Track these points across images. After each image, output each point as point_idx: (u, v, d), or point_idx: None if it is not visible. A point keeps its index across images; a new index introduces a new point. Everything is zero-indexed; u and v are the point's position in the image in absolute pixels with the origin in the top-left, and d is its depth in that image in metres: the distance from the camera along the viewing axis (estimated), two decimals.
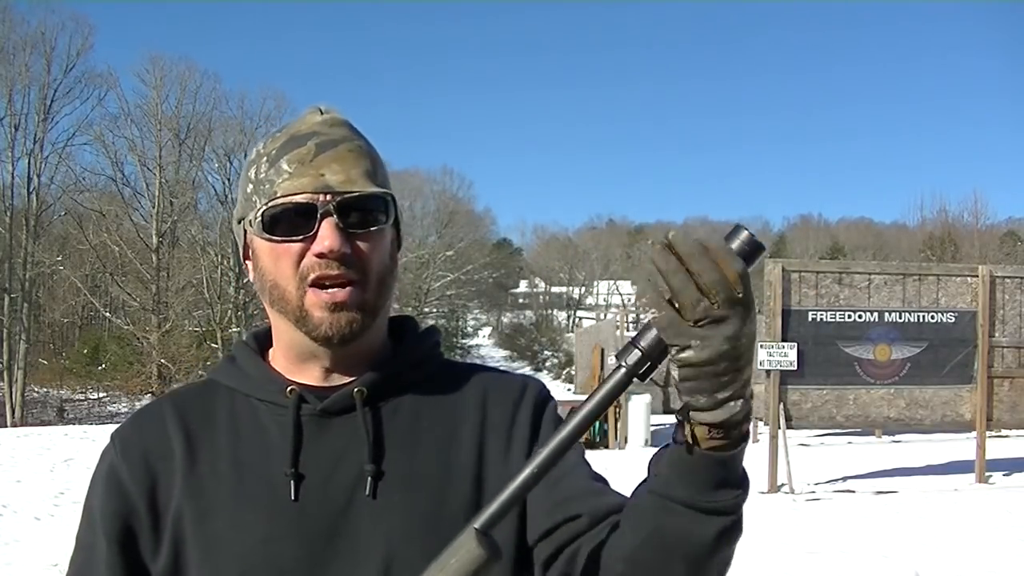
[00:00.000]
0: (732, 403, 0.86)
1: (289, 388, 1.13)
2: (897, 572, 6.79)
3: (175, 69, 37.81)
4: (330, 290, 1.09)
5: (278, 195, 1.09)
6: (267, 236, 1.10)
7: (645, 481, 0.96)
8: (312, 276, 1.08)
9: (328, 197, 1.08)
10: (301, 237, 1.08)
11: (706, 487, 0.90)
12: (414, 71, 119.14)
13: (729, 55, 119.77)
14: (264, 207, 1.09)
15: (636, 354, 0.88)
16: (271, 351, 1.20)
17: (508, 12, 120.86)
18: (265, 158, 1.12)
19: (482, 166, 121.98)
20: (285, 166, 1.10)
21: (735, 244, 0.87)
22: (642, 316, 41.02)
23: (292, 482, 1.09)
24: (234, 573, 1.06)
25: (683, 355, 0.84)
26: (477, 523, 0.92)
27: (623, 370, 0.88)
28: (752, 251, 0.87)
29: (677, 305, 0.84)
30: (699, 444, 0.89)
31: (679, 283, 0.83)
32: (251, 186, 1.13)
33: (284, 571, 1.06)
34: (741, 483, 0.92)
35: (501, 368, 1.30)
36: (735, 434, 0.88)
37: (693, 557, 0.93)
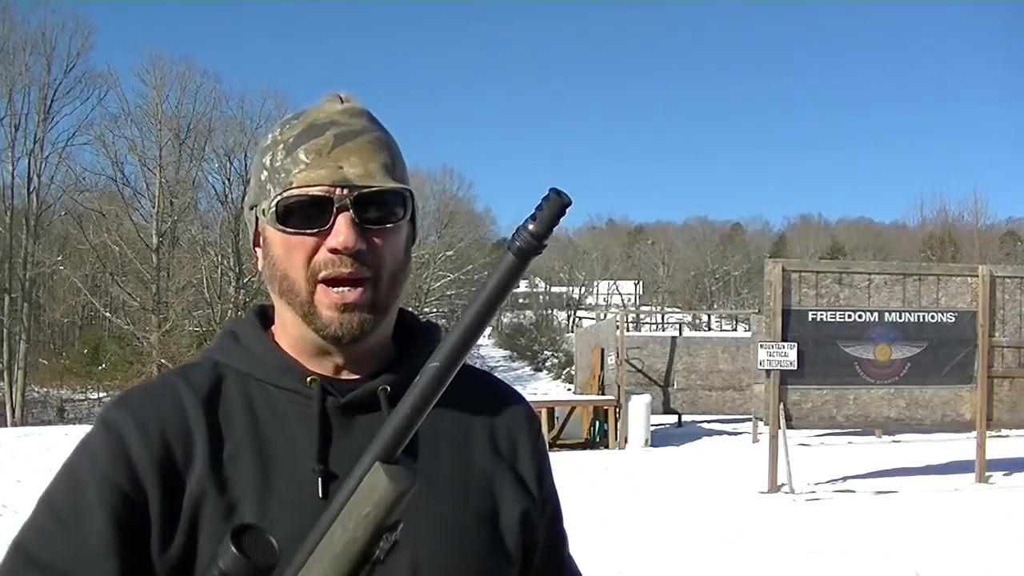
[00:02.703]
0: None
1: (310, 378, 1.09)
2: (897, 572, 6.79)
3: (175, 69, 37.77)
4: (339, 290, 1.06)
5: (293, 185, 1.06)
6: (280, 227, 1.07)
7: None
8: (323, 273, 1.06)
9: (345, 191, 1.05)
10: (316, 230, 1.06)
11: None
12: (414, 71, 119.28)
13: (729, 56, 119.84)
14: (278, 197, 1.07)
15: (526, 237, 0.75)
16: (274, 333, 1.16)
17: (508, 13, 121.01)
18: (281, 145, 1.09)
19: (482, 166, 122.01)
20: (302, 156, 1.07)
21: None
22: (642, 316, 40.99)
23: (320, 479, 1.04)
24: None
25: None
26: (378, 450, 0.81)
27: (511, 253, 0.76)
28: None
29: None
30: None
31: None
32: (265, 173, 1.10)
33: None
34: None
35: (493, 375, 1.31)
36: None
37: None
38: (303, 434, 1.07)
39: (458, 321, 0.80)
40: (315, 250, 1.06)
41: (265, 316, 1.18)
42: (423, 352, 1.12)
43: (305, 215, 1.06)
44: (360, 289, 1.06)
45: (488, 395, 1.19)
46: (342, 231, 1.04)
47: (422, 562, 1.05)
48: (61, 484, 1.05)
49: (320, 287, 1.06)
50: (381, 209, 1.08)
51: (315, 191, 1.05)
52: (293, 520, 1.00)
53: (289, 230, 1.06)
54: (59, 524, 1.01)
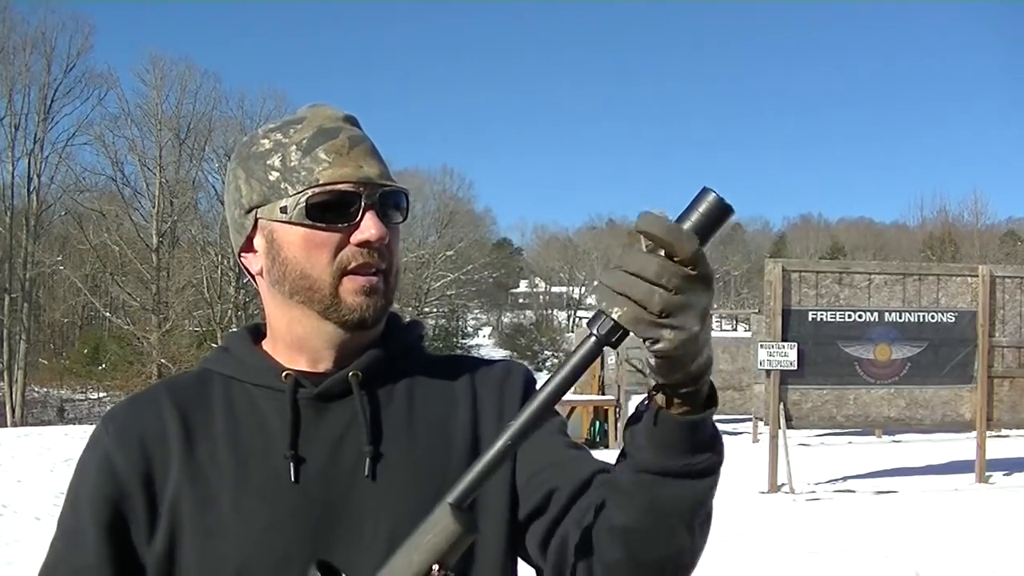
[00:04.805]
0: (704, 375, 0.89)
1: (284, 373, 1.14)
2: (897, 572, 6.79)
3: (175, 69, 37.83)
4: (366, 277, 1.11)
5: (320, 182, 1.09)
6: (309, 223, 1.09)
7: (624, 459, 0.96)
8: (353, 264, 1.10)
9: (368, 188, 1.10)
10: (346, 225, 1.10)
11: (687, 453, 0.92)
12: (414, 71, 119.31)
13: (729, 55, 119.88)
14: (307, 193, 1.09)
15: (608, 323, 0.86)
16: (264, 343, 1.20)
17: (508, 12, 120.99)
18: (294, 147, 1.12)
19: (482, 166, 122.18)
20: (323, 155, 1.10)
21: (696, 213, 0.84)
22: None
23: (292, 464, 1.09)
24: (237, 557, 1.06)
25: (657, 347, 0.84)
26: (451, 498, 0.91)
27: (593, 339, 0.86)
28: (718, 216, 0.84)
29: (635, 301, 0.83)
30: (672, 414, 0.91)
31: (625, 283, 0.83)
32: (276, 174, 1.12)
33: (288, 553, 1.06)
34: (714, 442, 0.94)
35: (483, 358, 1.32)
36: (701, 400, 0.91)
37: (685, 519, 0.95)
38: (278, 425, 1.12)
39: (542, 386, 0.90)
40: (341, 245, 1.10)
41: (257, 332, 1.23)
42: (397, 340, 1.19)
43: (334, 211, 1.10)
44: (379, 277, 1.12)
45: (468, 372, 1.21)
46: (372, 225, 1.09)
47: (399, 539, 1.03)
48: (66, 503, 1.14)
49: (346, 278, 1.11)
50: (394, 207, 1.14)
51: (344, 187, 1.10)
52: (268, 505, 1.08)
53: (320, 226, 1.10)
54: (66, 541, 1.12)
